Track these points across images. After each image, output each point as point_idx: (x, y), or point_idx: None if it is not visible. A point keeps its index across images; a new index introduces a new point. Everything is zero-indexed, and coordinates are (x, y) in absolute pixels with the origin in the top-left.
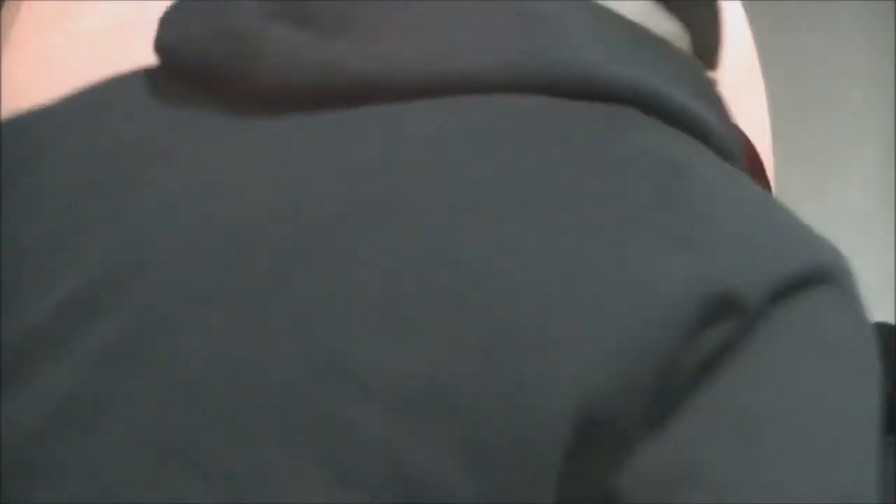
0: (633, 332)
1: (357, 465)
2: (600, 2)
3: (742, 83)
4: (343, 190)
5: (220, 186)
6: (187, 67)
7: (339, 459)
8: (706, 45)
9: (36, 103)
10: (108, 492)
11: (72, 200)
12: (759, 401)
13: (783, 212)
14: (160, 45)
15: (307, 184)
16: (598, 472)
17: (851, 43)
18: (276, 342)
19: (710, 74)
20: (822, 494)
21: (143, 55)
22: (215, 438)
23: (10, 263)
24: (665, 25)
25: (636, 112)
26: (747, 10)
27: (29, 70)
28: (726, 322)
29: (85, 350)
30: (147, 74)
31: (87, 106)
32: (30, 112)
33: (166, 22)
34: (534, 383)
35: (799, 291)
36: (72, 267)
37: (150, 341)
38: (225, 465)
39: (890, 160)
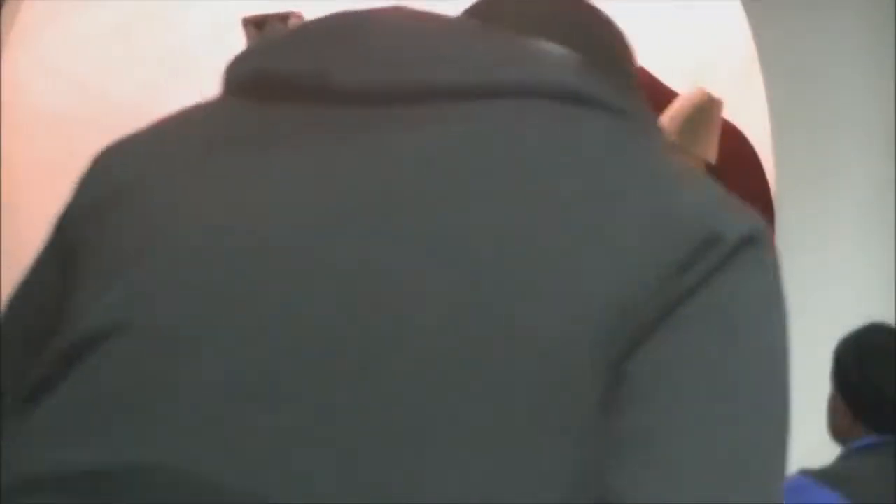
0: (652, 257)
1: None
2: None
3: (740, 84)
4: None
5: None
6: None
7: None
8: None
9: (36, 103)
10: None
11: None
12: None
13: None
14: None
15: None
16: (623, 358)
17: (851, 43)
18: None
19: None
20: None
21: (143, 55)
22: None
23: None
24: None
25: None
26: (747, 11)
27: (29, 70)
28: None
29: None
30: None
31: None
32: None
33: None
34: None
35: (750, 245)
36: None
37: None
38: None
39: (890, 160)
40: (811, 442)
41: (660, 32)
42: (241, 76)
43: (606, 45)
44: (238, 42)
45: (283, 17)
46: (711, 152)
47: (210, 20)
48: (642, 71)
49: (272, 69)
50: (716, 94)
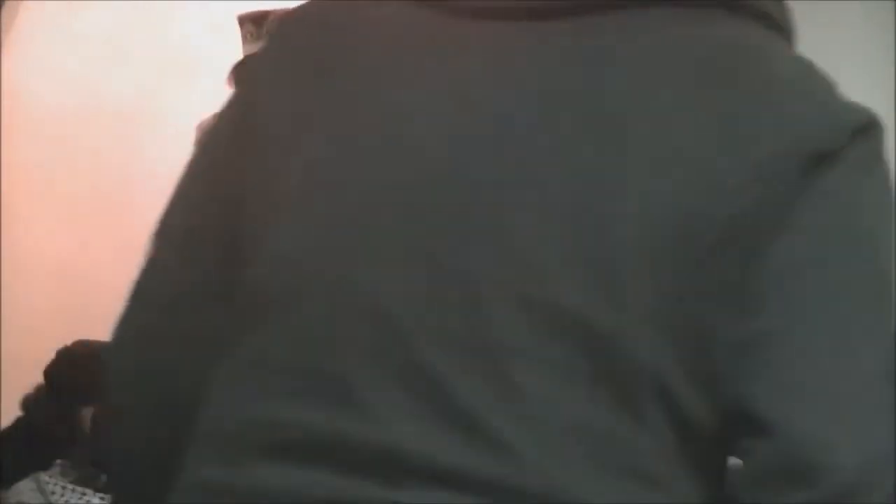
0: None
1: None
2: None
3: None
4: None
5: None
6: None
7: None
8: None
9: (36, 103)
10: None
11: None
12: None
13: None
14: None
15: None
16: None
17: (851, 43)
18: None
19: None
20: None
21: (142, 55)
22: None
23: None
24: None
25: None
26: None
27: (29, 70)
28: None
29: None
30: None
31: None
32: None
33: None
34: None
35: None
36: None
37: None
38: None
39: (890, 160)
40: None
41: None
42: None
43: None
44: (237, 41)
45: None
46: None
47: (209, 20)
48: None
49: None
50: None
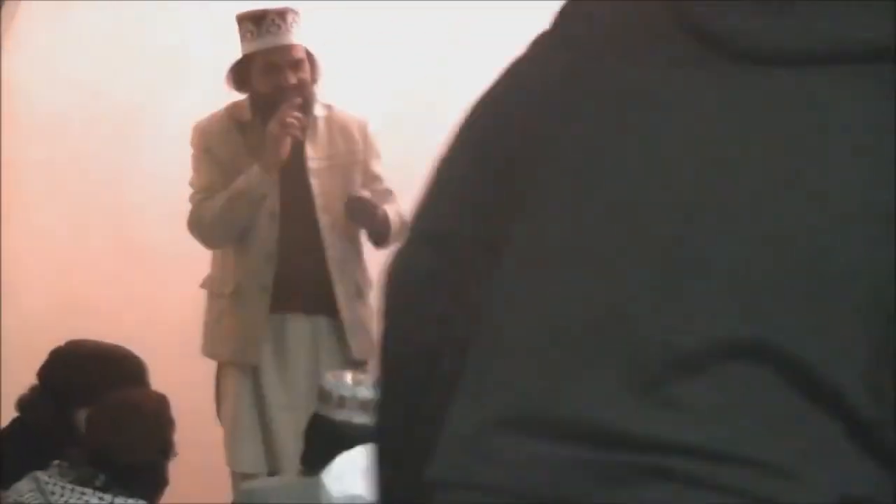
0: None
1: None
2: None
3: None
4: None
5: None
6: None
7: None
8: None
9: (36, 103)
10: None
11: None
12: None
13: None
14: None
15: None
16: None
17: None
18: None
19: None
20: None
21: (142, 55)
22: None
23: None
24: None
25: None
26: None
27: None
28: None
29: None
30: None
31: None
32: None
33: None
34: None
35: None
36: None
37: None
38: None
39: None
40: None
41: None
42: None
43: None
44: (237, 42)
45: (281, 13)
46: None
47: (209, 20)
48: None
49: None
50: None
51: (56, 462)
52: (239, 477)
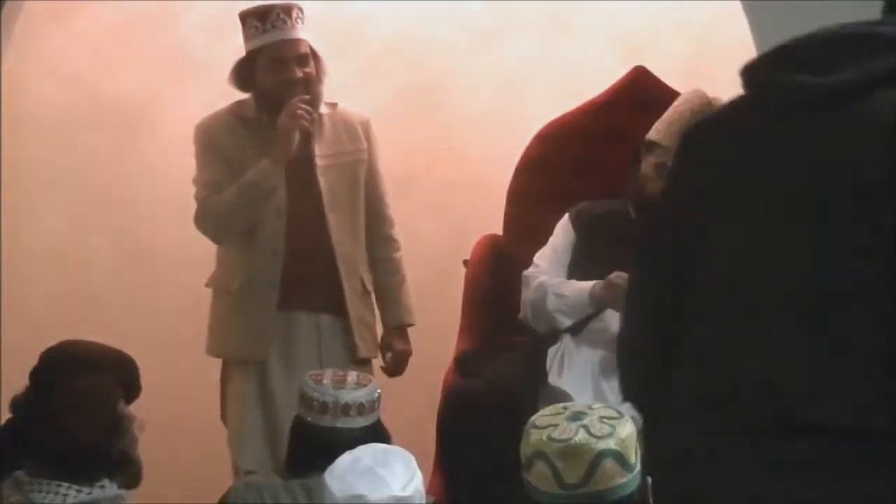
0: None
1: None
2: None
3: (739, 86)
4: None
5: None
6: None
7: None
8: None
9: (36, 103)
10: None
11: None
12: None
13: None
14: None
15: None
16: None
17: None
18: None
19: None
20: None
21: (142, 54)
22: None
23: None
24: None
25: None
26: (747, 10)
27: (29, 70)
28: None
29: None
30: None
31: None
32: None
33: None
34: None
35: None
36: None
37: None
38: None
39: None
40: None
41: (660, 32)
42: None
43: None
44: (237, 41)
45: (286, 9)
46: None
47: (210, 20)
48: (643, 70)
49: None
50: (713, 96)
51: (30, 460)
52: (243, 475)
